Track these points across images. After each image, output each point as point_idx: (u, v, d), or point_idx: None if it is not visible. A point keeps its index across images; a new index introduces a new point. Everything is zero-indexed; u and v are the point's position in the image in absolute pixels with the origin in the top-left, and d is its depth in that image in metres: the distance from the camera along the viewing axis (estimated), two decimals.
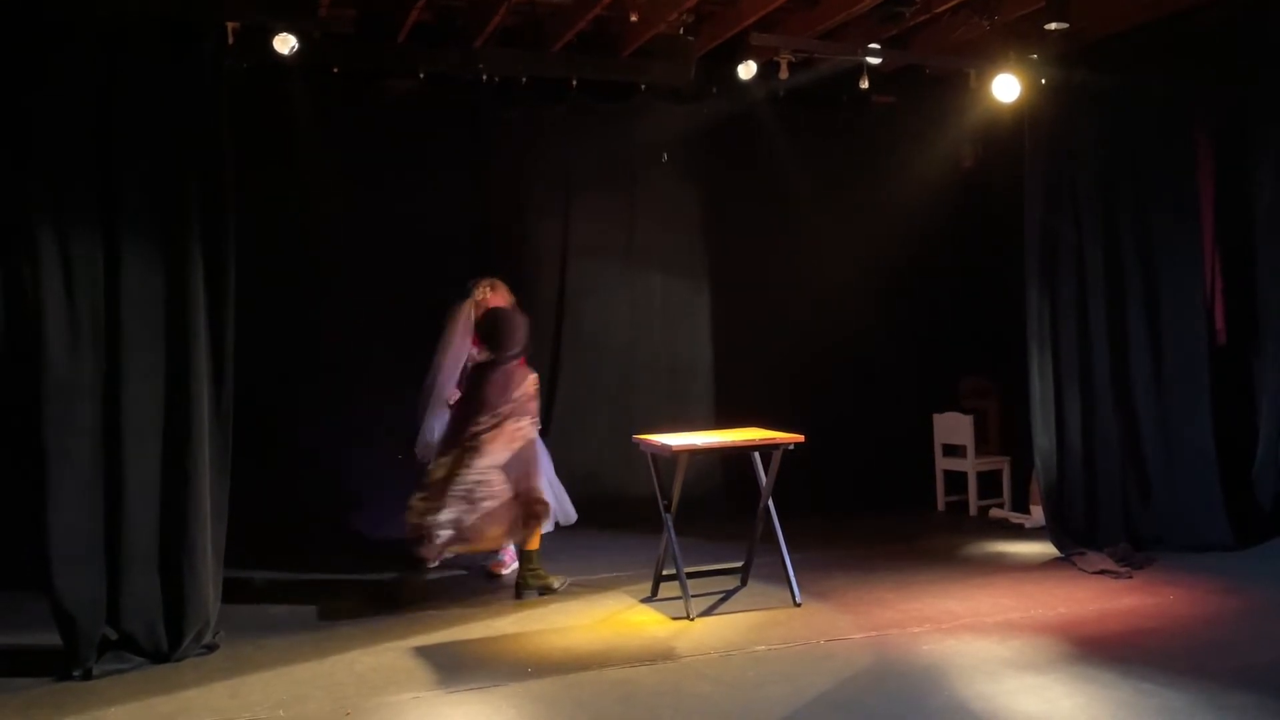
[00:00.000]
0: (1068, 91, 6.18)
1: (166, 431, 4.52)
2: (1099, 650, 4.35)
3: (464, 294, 5.84)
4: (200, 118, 4.64)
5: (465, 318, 5.74)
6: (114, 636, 4.46)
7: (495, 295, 5.85)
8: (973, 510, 7.43)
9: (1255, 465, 5.94)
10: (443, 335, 5.81)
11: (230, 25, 4.83)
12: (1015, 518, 7.14)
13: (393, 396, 6.66)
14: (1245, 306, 6.09)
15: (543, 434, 7.31)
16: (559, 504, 5.89)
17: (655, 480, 5.30)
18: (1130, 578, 5.52)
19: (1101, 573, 5.61)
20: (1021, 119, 6.36)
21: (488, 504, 4.92)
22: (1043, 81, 6.21)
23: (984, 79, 6.35)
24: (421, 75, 6.76)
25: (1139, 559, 5.80)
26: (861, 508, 7.29)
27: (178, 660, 4.49)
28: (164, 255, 4.55)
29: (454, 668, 4.37)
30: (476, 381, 5.14)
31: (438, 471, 4.96)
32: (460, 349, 5.75)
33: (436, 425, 5.75)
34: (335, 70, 6.46)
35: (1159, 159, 6.12)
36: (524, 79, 6.92)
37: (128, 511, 4.43)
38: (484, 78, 6.73)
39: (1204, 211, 6.15)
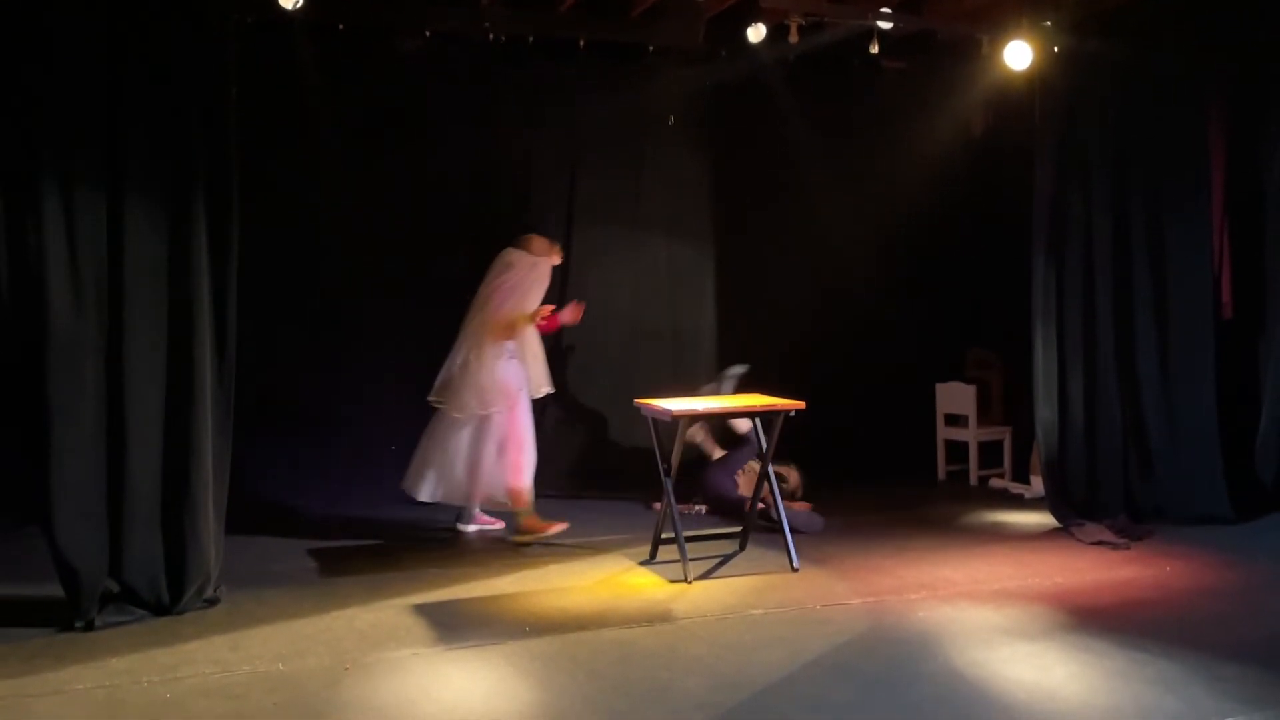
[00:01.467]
0: (1080, 60, 6.11)
1: (168, 391, 4.51)
2: (1094, 620, 4.37)
3: (513, 241, 6.06)
4: (205, 74, 4.58)
5: (542, 269, 5.99)
6: (116, 589, 4.49)
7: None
8: (973, 480, 7.44)
9: (1257, 440, 5.92)
10: (499, 274, 5.94)
11: None
12: (1015, 488, 7.16)
13: (394, 356, 6.68)
14: (1253, 281, 6.05)
15: (550, 398, 7.41)
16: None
17: (655, 444, 5.32)
18: (1128, 549, 5.54)
19: (1099, 544, 5.63)
20: (1033, 87, 6.30)
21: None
22: (1055, 49, 6.13)
23: (996, 46, 6.28)
24: (428, 33, 6.69)
25: (1138, 531, 5.81)
26: (862, 475, 7.28)
27: (179, 613, 4.53)
28: (168, 214, 4.51)
29: (453, 625, 4.41)
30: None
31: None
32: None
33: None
34: (341, 27, 6.39)
35: (1171, 130, 6.04)
36: (531, 39, 6.85)
37: (130, 468, 4.44)
38: (491, 37, 6.67)
39: (1214, 184, 6.10)
